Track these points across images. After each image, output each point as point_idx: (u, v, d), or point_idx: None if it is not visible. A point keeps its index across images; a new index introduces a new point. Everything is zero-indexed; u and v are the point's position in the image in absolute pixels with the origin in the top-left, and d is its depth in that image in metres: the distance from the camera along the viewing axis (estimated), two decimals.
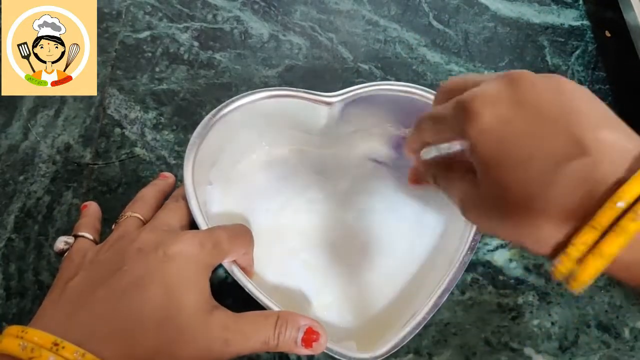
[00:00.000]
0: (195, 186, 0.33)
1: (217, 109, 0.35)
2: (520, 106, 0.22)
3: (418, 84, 0.37)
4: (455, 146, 0.28)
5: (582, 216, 0.19)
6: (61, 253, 0.31)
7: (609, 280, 0.39)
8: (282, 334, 0.27)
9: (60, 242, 0.31)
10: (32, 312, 0.35)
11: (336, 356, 0.30)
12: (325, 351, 0.29)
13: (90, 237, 0.32)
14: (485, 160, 0.22)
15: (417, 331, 0.31)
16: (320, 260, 0.37)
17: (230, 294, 0.36)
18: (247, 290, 0.31)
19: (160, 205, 0.34)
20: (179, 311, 0.26)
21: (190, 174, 0.33)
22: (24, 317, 0.35)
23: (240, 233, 0.31)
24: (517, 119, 0.22)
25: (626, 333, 0.37)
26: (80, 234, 0.32)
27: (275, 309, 0.30)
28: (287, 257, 0.36)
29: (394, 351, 0.30)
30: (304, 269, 0.36)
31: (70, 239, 0.32)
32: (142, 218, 0.32)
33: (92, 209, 0.35)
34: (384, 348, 0.30)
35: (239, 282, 0.31)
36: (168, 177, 0.36)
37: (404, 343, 0.30)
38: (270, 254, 0.36)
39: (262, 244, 0.34)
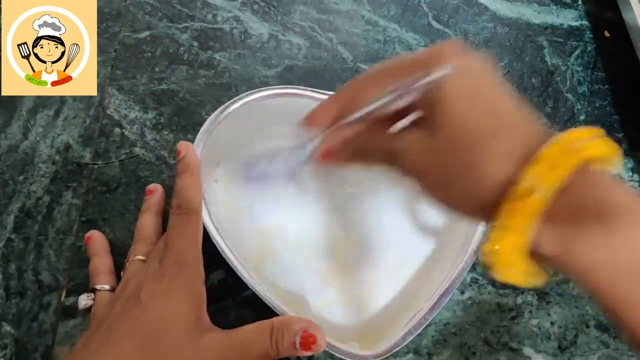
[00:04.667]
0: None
1: (224, 106, 0.35)
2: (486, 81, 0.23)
3: None
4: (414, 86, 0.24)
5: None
6: (88, 310, 0.32)
7: None
8: (280, 342, 0.27)
9: (83, 301, 0.32)
10: (32, 312, 0.35)
11: (337, 354, 0.30)
12: (327, 349, 0.29)
13: (108, 287, 0.33)
14: (453, 110, 0.22)
15: (419, 330, 0.31)
16: (323, 259, 0.37)
17: (229, 294, 0.36)
18: (250, 287, 0.31)
19: (160, 229, 0.35)
20: (168, 349, 0.27)
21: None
22: (23, 317, 0.35)
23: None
24: (486, 88, 0.23)
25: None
26: (97, 287, 0.33)
27: (278, 304, 0.30)
28: (290, 256, 0.36)
29: (395, 350, 0.30)
30: (307, 268, 0.36)
31: (91, 296, 0.32)
32: (145, 259, 0.33)
33: (98, 243, 0.35)
34: (385, 346, 0.30)
35: (243, 279, 0.31)
36: (155, 191, 0.37)
37: (406, 342, 0.31)
38: (273, 252, 0.36)
39: (265, 243, 0.34)
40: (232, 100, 0.35)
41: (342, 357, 0.30)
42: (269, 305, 0.31)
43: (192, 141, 0.41)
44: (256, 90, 0.36)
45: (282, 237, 0.37)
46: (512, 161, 0.21)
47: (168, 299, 0.28)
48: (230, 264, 0.31)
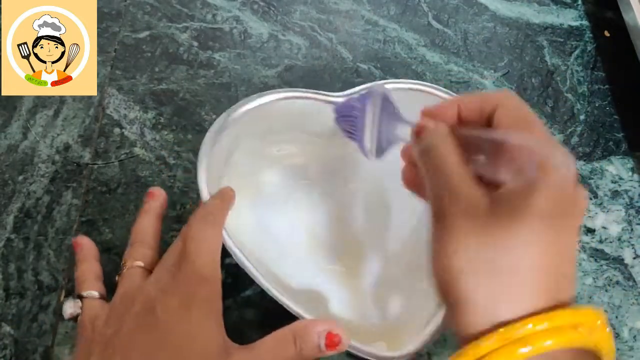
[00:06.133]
0: (208, 184, 0.33)
1: (231, 108, 0.35)
2: None
3: None
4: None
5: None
6: (73, 318, 0.30)
7: (608, 280, 0.39)
8: (304, 348, 0.27)
9: (69, 309, 0.30)
10: (32, 313, 0.35)
11: (363, 355, 0.30)
12: (354, 352, 0.29)
13: (96, 294, 0.30)
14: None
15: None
16: (338, 259, 0.37)
17: (230, 295, 0.36)
18: (265, 290, 0.31)
19: (159, 235, 0.33)
20: None
21: (204, 174, 0.33)
22: (23, 318, 0.35)
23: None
24: None
25: (625, 333, 0.37)
26: (84, 294, 0.30)
27: (296, 308, 0.30)
28: (304, 257, 0.36)
29: (421, 348, 0.30)
30: (321, 269, 0.36)
31: (78, 303, 0.30)
32: (144, 266, 0.31)
33: (87, 249, 0.33)
34: (411, 346, 0.30)
35: (257, 281, 0.31)
36: (157, 195, 0.34)
37: (434, 340, 0.31)
38: (285, 254, 0.36)
39: (279, 242, 0.34)
40: (238, 103, 0.35)
41: (367, 358, 0.30)
42: (288, 309, 0.30)
43: (192, 141, 0.41)
44: (266, 92, 0.35)
45: (294, 238, 0.37)
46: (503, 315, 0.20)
47: (189, 317, 0.26)
48: (247, 271, 0.31)
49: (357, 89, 0.37)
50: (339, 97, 0.36)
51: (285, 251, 0.36)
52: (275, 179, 0.39)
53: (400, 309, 0.35)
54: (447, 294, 0.22)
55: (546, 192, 0.20)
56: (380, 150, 0.29)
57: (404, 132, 0.27)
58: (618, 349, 0.36)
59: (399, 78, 0.45)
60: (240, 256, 0.31)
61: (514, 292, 0.20)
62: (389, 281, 0.36)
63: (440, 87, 0.38)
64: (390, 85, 0.37)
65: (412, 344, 0.30)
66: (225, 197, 0.32)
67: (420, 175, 0.25)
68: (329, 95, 0.36)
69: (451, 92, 0.37)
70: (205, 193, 0.32)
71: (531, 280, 0.20)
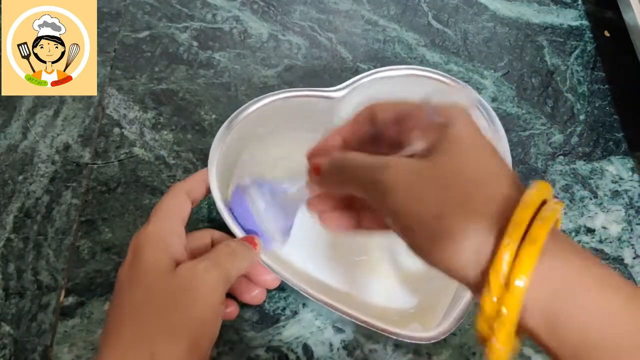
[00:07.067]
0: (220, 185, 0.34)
1: (233, 115, 0.36)
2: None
3: None
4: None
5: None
6: None
7: None
8: (237, 256, 0.30)
9: None
10: (31, 313, 0.35)
11: (402, 339, 0.31)
12: (393, 337, 0.31)
13: None
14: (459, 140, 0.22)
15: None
16: (364, 251, 0.37)
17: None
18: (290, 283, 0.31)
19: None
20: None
21: (215, 180, 0.34)
22: (22, 317, 0.35)
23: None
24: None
25: None
26: None
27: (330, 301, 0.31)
28: (331, 253, 0.37)
29: (455, 327, 0.31)
30: (348, 262, 0.37)
31: None
32: None
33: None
34: (446, 324, 0.31)
35: (288, 282, 0.32)
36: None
37: (464, 315, 0.31)
38: (314, 252, 0.37)
39: (301, 241, 0.35)
40: (239, 110, 0.36)
41: (405, 340, 0.31)
42: (324, 304, 0.31)
43: (192, 141, 0.41)
44: (265, 95, 0.36)
45: (315, 235, 0.37)
46: (493, 232, 0.20)
47: (139, 256, 0.28)
48: (274, 271, 0.32)
49: (353, 79, 0.38)
50: (335, 92, 0.37)
51: (310, 250, 0.37)
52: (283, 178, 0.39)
53: (427, 291, 0.36)
54: (440, 237, 0.21)
55: (459, 121, 0.23)
56: (286, 231, 0.32)
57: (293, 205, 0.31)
58: None
59: None
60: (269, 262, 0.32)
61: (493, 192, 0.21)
62: (413, 264, 0.37)
63: (437, 71, 0.38)
64: (388, 72, 0.38)
65: (447, 322, 0.31)
66: (196, 176, 0.34)
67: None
68: (325, 91, 0.37)
69: (447, 75, 0.38)
70: (216, 192, 0.33)
71: (497, 178, 0.21)
